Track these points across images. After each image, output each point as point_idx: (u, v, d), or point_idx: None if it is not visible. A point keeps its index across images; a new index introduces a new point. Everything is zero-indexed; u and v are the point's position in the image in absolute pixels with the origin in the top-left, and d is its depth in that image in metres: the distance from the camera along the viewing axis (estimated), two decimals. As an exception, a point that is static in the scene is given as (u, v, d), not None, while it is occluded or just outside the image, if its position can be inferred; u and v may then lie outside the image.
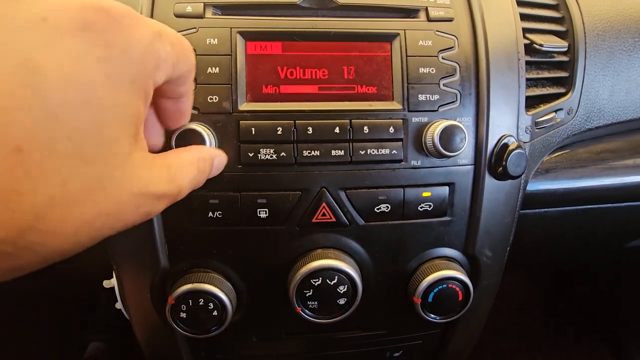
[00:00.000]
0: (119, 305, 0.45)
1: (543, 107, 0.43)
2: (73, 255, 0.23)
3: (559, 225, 0.54)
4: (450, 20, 0.38)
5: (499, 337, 1.12)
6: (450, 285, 0.38)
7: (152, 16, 0.36)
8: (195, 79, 0.35)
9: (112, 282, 0.44)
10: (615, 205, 0.53)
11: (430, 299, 0.38)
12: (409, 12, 0.39)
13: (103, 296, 1.03)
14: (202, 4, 0.36)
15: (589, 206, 0.53)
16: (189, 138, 0.33)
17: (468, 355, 0.54)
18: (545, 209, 0.51)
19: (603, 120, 0.48)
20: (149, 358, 0.46)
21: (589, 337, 1.11)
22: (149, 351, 0.45)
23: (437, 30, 0.38)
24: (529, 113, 0.42)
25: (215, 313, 0.36)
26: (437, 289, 0.38)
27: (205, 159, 0.31)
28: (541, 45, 0.42)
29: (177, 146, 0.33)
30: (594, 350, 1.08)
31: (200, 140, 0.34)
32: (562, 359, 1.07)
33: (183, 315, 0.36)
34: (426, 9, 0.38)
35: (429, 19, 0.38)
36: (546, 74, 0.44)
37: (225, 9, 0.37)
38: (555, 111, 0.44)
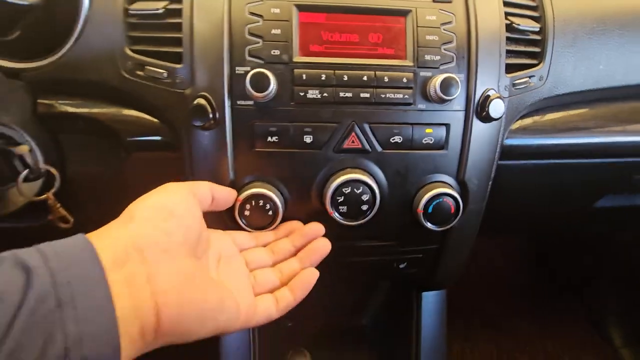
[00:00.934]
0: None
1: (519, 73, 0.56)
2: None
3: (535, 176, 0.67)
4: (449, 1, 0.51)
5: (486, 303, 1.24)
6: (445, 200, 0.51)
7: None
8: (263, 37, 0.48)
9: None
10: (579, 161, 0.66)
11: (429, 210, 0.51)
12: (420, -5, 0.51)
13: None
14: None
15: (559, 160, 0.65)
16: (260, 79, 0.46)
17: (456, 278, 0.66)
18: (524, 161, 0.64)
19: (568, 89, 0.60)
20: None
21: (571, 306, 1.23)
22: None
23: (440, 9, 0.50)
24: (507, 75, 0.54)
25: (270, 212, 0.49)
26: (435, 202, 0.51)
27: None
28: (518, 25, 0.55)
29: (250, 86, 0.46)
30: (576, 318, 1.20)
31: (267, 81, 0.46)
32: (544, 325, 1.19)
33: (247, 212, 0.49)
34: None
35: (434, 1, 0.51)
36: (522, 48, 0.57)
37: (284, -12, 0.49)
38: (529, 77, 0.57)
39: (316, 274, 0.45)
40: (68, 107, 0.54)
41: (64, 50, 0.52)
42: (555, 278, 1.28)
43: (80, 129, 0.56)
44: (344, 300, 0.72)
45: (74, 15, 0.51)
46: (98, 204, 0.64)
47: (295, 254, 0.48)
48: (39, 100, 0.54)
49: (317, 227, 0.49)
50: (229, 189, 0.48)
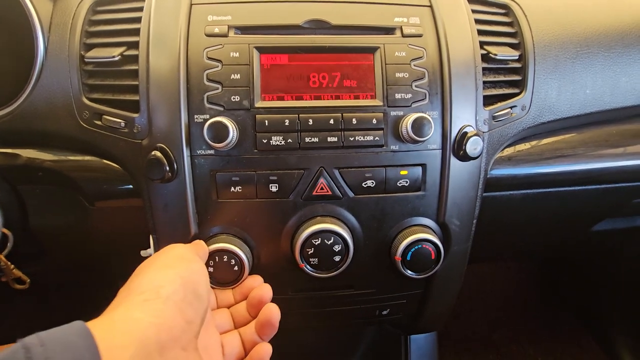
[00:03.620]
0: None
1: (500, 104, 0.53)
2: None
3: (525, 207, 0.63)
4: (420, 36, 0.48)
5: (489, 329, 1.19)
6: (424, 246, 0.47)
7: (188, 36, 0.46)
8: (222, 83, 0.45)
9: (148, 252, 0.53)
10: (569, 188, 0.62)
11: (408, 257, 0.47)
12: (388, 30, 0.49)
13: (118, 288, 1.11)
14: (227, 26, 0.46)
15: (548, 189, 0.62)
16: (218, 129, 0.43)
17: (445, 320, 0.62)
18: (511, 192, 0.61)
19: (553, 116, 0.58)
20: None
21: (577, 328, 1.18)
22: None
23: (409, 44, 0.48)
24: (486, 108, 0.51)
25: (235, 268, 0.46)
26: (414, 249, 0.47)
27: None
28: (495, 54, 0.52)
29: (208, 137, 0.43)
30: (583, 342, 1.15)
31: (226, 130, 0.43)
32: (551, 350, 1.14)
33: (210, 269, 0.45)
34: (401, 28, 0.48)
35: (403, 35, 0.48)
36: (502, 78, 0.54)
37: (244, 30, 0.47)
38: (511, 107, 0.54)
39: (269, 350, 0.42)
40: (26, 158, 0.52)
41: (20, 100, 0.50)
42: (561, 299, 1.23)
43: (40, 179, 0.53)
44: (329, 344, 0.68)
45: (30, 64, 0.49)
46: (62, 253, 0.62)
47: (252, 316, 0.45)
48: (-4, 151, 0.51)
49: (265, 291, 0.45)
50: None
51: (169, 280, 0.34)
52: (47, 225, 0.56)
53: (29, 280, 0.50)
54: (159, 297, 0.32)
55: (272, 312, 0.42)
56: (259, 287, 0.45)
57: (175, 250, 0.39)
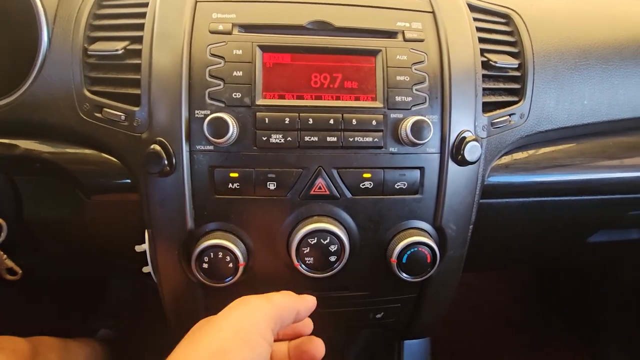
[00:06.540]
0: (146, 269, 0.54)
1: (499, 112, 0.54)
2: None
3: (521, 215, 0.63)
4: (421, 40, 0.49)
5: (483, 340, 1.18)
6: (420, 249, 0.47)
7: (192, 33, 0.46)
8: (224, 80, 0.45)
9: (143, 247, 0.53)
10: (566, 198, 0.63)
11: (404, 260, 0.47)
12: (390, 34, 0.49)
13: (112, 285, 1.09)
14: (231, 24, 0.47)
15: (544, 198, 0.62)
16: (218, 124, 0.43)
17: (439, 326, 0.61)
18: (507, 199, 0.61)
19: (551, 125, 0.58)
20: (170, 314, 0.55)
21: (571, 340, 1.17)
22: (171, 307, 0.54)
23: (411, 48, 0.48)
24: (485, 115, 0.52)
25: (230, 265, 0.45)
26: (409, 252, 0.47)
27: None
28: (495, 62, 0.53)
29: (208, 132, 0.43)
30: (576, 354, 1.15)
31: (226, 126, 0.44)
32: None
33: (205, 265, 0.45)
34: (403, 32, 0.49)
35: (405, 40, 0.49)
36: (501, 85, 0.55)
37: (248, 28, 0.47)
38: (510, 115, 0.55)
39: None
40: (24, 149, 0.52)
41: (20, 91, 0.50)
42: (555, 311, 1.23)
43: (37, 171, 0.53)
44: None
45: (33, 55, 0.49)
46: (57, 246, 0.61)
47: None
48: (-7, 141, 0.51)
49: (318, 349, 0.44)
50: (311, 297, 0.43)
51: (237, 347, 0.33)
52: (42, 217, 0.55)
53: (20, 272, 0.49)
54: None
55: None
56: (311, 342, 0.43)
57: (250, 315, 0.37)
